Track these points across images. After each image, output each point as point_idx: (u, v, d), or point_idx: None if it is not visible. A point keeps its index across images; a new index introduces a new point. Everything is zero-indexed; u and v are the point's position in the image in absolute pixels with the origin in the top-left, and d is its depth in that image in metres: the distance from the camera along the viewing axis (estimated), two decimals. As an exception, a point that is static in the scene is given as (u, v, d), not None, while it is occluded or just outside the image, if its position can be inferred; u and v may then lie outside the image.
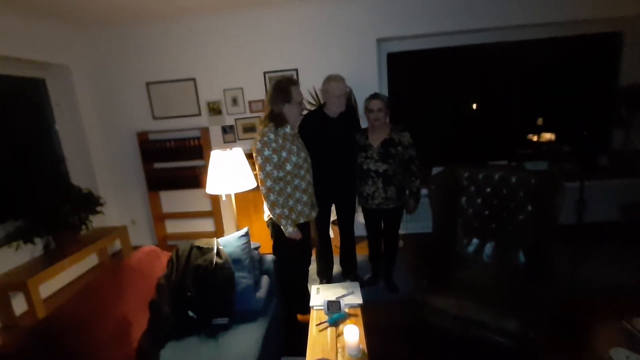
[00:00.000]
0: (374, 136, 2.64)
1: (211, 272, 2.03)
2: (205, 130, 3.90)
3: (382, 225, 2.85)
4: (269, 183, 2.16)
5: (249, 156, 2.45)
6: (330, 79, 2.53)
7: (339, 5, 3.56)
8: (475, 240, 2.49)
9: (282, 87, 2.20)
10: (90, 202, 3.28)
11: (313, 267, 2.91)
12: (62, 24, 3.50)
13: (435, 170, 3.65)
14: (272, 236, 2.43)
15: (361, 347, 1.67)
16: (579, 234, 2.44)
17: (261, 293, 2.16)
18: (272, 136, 2.15)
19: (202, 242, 2.22)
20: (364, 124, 2.83)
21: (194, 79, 3.86)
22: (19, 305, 2.81)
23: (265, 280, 2.30)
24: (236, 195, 2.68)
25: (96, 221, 3.39)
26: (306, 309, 2.42)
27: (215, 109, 3.91)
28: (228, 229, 4.08)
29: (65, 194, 3.18)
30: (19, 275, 2.73)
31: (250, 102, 3.85)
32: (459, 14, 3.51)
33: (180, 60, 3.83)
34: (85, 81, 3.86)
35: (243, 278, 2.10)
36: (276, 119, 2.20)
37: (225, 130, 3.95)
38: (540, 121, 4.19)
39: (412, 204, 2.71)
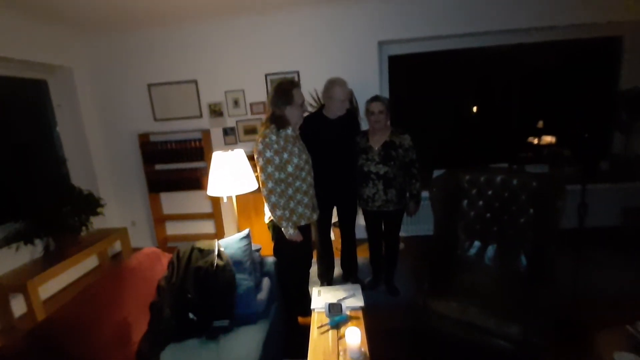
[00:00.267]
0: (375, 138, 2.64)
1: (212, 274, 2.02)
2: (206, 132, 3.90)
3: (383, 227, 2.84)
4: (270, 185, 2.15)
5: (250, 158, 2.44)
6: (335, 84, 2.53)
7: (340, 8, 3.57)
8: (476, 243, 2.48)
9: (284, 90, 2.21)
10: (90, 204, 3.27)
11: (314, 270, 2.90)
12: (64, 26, 3.50)
13: (436, 173, 3.65)
14: (273, 238, 2.43)
15: (363, 349, 1.66)
16: (580, 239, 2.43)
17: (262, 295, 2.15)
18: (273, 138, 2.15)
19: (203, 244, 2.21)
20: (364, 126, 2.83)
21: (195, 81, 3.87)
22: (18, 307, 2.80)
23: (266, 282, 2.29)
24: (237, 197, 2.67)
25: (96, 223, 3.38)
26: (307, 312, 2.41)
27: (216, 111, 3.91)
28: (229, 231, 4.07)
29: (65, 195, 3.17)
30: (19, 276, 2.72)
31: (251, 104, 3.86)
32: (460, 17, 3.52)
33: (181, 62, 3.84)
34: (87, 83, 3.87)
35: (244, 280, 2.09)
36: (278, 121, 2.20)
37: (227, 132, 3.95)
38: (540, 124, 4.20)
39: (413, 206, 2.71)
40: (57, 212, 2.99)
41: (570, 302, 2.46)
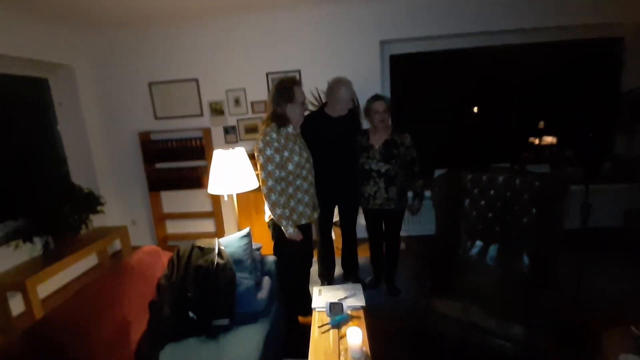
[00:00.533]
0: (376, 137, 2.64)
1: (212, 273, 2.01)
2: (207, 131, 3.88)
3: (383, 227, 2.83)
4: (270, 183, 2.14)
5: (251, 157, 2.43)
6: (340, 83, 2.52)
7: (342, 7, 3.56)
8: (478, 243, 2.47)
9: (285, 87, 2.19)
10: (90, 202, 3.26)
11: (314, 269, 2.88)
12: (66, 24, 3.49)
13: (437, 173, 3.64)
14: (273, 237, 2.41)
15: (364, 349, 1.65)
16: (583, 239, 2.42)
17: (262, 294, 2.13)
18: (274, 136, 2.13)
19: (203, 243, 2.20)
20: (364, 125, 2.82)
21: (196, 80, 3.85)
22: (16, 305, 2.78)
23: (266, 281, 2.27)
24: (237, 195, 2.66)
25: (96, 221, 3.37)
26: (307, 311, 2.40)
27: (217, 110, 3.90)
28: (229, 229, 4.06)
29: (66, 193, 3.16)
30: (17, 275, 2.70)
31: (252, 103, 3.84)
32: (462, 16, 3.50)
33: (182, 61, 3.82)
34: (88, 81, 3.85)
35: (244, 279, 2.08)
36: (278, 119, 2.19)
37: (227, 130, 3.93)
38: (541, 124, 4.18)
39: (417, 204, 2.70)
40: (57, 211, 2.98)
41: (573, 303, 2.44)
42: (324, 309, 1.98)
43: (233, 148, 2.51)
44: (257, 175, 2.28)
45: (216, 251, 2.12)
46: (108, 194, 3.86)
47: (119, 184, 4.16)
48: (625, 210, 3.67)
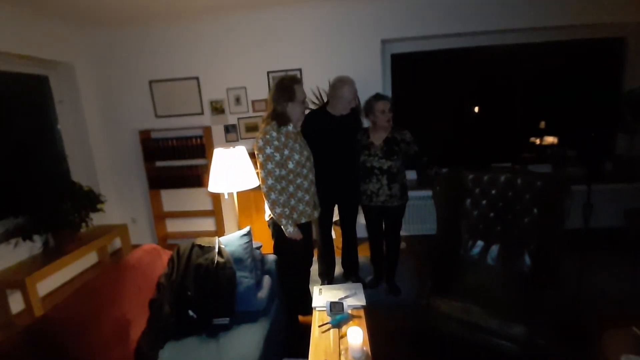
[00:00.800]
0: (376, 135, 2.65)
1: (212, 272, 2.00)
2: (207, 129, 3.87)
3: (384, 225, 2.83)
4: (270, 181, 2.13)
5: (252, 155, 2.42)
6: (344, 83, 2.52)
7: (343, 6, 3.54)
8: (480, 243, 2.46)
9: (286, 86, 2.18)
10: (90, 200, 3.24)
11: (314, 268, 2.88)
12: (66, 22, 3.49)
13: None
14: (273, 236, 2.41)
15: (365, 349, 1.64)
16: (585, 239, 2.41)
17: (263, 293, 2.13)
18: (274, 134, 2.12)
19: (203, 241, 2.19)
20: (364, 123, 2.83)
21: (197, 78, 3.84)
22: (16, 303, 2.77)
23: (267, 280, 2.26)
24: (238, 194, 2.65)
25: (96, 219, 3.36)
26: (308, 310, 2.40)
27: (218, 108, 3.89)
28: (229, 228, 4.05)
29: (66, 191, 3.15)
30: (17, 272, 2.70)
31: (253, 102, 3.83)
32: (463, 16, 3.49)
33: (183, 59, 3.82)
34: (88, 79, 3.85)
35: (244, 278, 2.07)
36: (279, 117, 2.18)
37: (228, 129, 3.93)
38: (542, 124, 4.17)
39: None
40: (57, 209, 2.97)
41: (574, 303, 2.44)
42: (325, 308, 1.97)
43: (233, 147, 2.50)
44: (258, 173, 2.27)
45: (216, 250, 2.11)
46: (108, 192, 3.85)
47: (119, 182, 4.15)
48: (626, 210, 3.66)
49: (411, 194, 2.86)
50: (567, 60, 3.89)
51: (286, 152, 2.16)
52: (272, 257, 2.47)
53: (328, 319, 1.90)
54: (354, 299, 2.05)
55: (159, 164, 4.02)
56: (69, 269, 3.31)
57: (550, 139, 4.14)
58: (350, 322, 1.88)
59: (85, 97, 3.80)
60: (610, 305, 2.52)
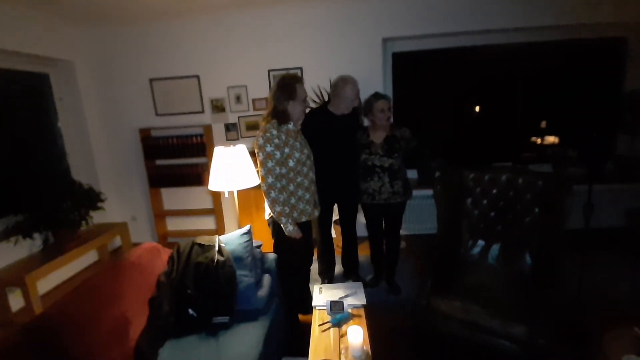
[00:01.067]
0: (376, 134, 2.66)
1: (212, 270, 2.00)
2: (208, 128, 3.87)
3: (384, 224, 2.83)
4: (270, 180, 2.12)
5: (252, 154, 2.42)
6: (347, 82, 2.51)
7: (345, 4, 3.53)
8: (480, 242, 2.46)
9: (287, 84, 2.18)
10: (91, 198, 3.24)
11: (314, 267, 2.88)
12: (66, 19, 3.48)
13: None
14: (273, 235, 2.40)
15: (365, 348, 1.64)
16: (586, 239, 2.40)
17: (263, 292, 2.12)
18: (274, 132, 2.12)
19: (203, 239, 2.19)
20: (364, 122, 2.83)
21: (197, 76, 3.84)
22: (15, 301, 2.77)
23: (267, 279, 2.26)
24: (238, 193, 2.65)
25: (96, 217, 3.36)
26: (308, 309, 2.39)
27: (218, 107, 3.88)
28: (229, 227, 4.05)
29: (66, 189, 3.15)
30: (17, 270, 2.69)
31: (253, 100, 3.83)
32: (465, 15, 3.48)
33: (184, 57, 3.81)
34: (89, 77, 3.84)
35: (244, 276, 2.07)
36: (279, 115, 2.17)
37: (228, 127, 3.92)
38: (543, 124, 4.16)
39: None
40: (57, 206, 2.96)
41: (575, 303, 2.43)
42: (325, 307, 1.97)
43: (234, 145, 2.49)
44: (258, 172, 2.26)
45: (216, 248, 2.11)
46: (108, 190, 3.85)
47: (119, 180, 4.14)
48: (626, 210, 3.66)
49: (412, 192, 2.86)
50: (568, 60, 3.88)
51: (287, 150, 2.16)
52: (272, 255, 2.46)
53: (328, 317, 1.90)
54: (354, 298, 2.05)
55: (159, 162, 4.01)
56: (69, 267, 3.31)
57: (551, 139, 4.14)
58: (351, 321, 1.88)
59: (85, 95, 3.79)
60: (611, 305, 2.51)
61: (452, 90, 4.12)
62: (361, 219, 2.95)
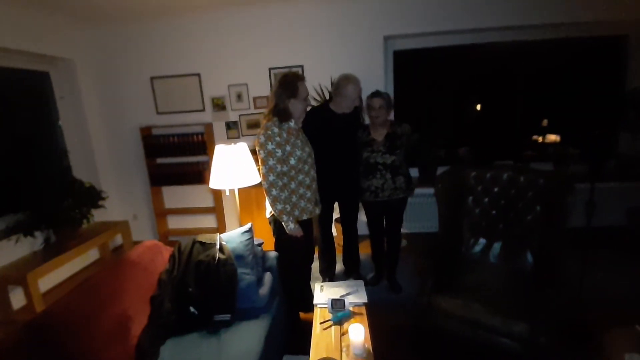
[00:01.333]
0: (377, 132, 2.66)
1: (213, 268, 2.00)
2: (209, 126, 3.86)
3: (385, 222, 2.83)
4: (271, 178, 2.12)
5: (253, 152, 2.41)
6: (349, 81, 2.50)
7: (346, 2, 3.52)
8: (482, 240, 2.45)
9: (289, 82, 2.17)
10: (92, 196, 3.24)
11: (315, 266, 2.88)
12: (67, 17, 3.47)
13: (440, 170, 3.61)
14: (274, 233, 2.40)
15: (366, 346, 1.64)
16: (587, 238, 2.40)
17: (264, 290, 2.12)
18: (275, 130, 2.11)
19: (204, 238, 2.19)
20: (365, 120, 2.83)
21: (198, 74, 3.83)
22: (17, 299, 2.78)
23: (268, 277, 2.26)
24: (239, 191, 2.65)
25: (98, 215, 3.36)
26: (309, 307, 2.39)
27: (219, 105, 3.88)
28: (230, 225, 4.05)
29: (67, 187, 3.15)
30: (18, 268, 2.70)
31: (254, 98, 3.82)
32: (466, 12, 3.47)
33: (185, 56, 3.80)
34: (90, 75, 3.84)
35: (246, 274, 2.07)
36: (280, 113, 2.17)
37: (229, 126, 3.92)
38: (545, 122, 4.15)
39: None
40: (58, 205, 2.97)
41: (576, 301, 2.43)
42: (326, 306, 1.97)
43: (235, 143, 2.49)
44: (259, 170, 2.26)
45: (217, 246, 2.11)
46: (109, 188, 3.85)
47: (120, 179, 4.15)
48: (628, 209, 3.65)
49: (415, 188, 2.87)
50: (570, 58, 3.87)
51: (288, 148, 2.15)
52: (273, 254, 2.46)
53: (329, 316, 1.90)
54: (355, 296, 2.05)
55: (160, 160, 4.01)
56: (70, 265, 3.31)
57: (552, 137, 4.13)
58: (352, 319, 1.88)
59: (86, 93, 3.78)
60: (612, 303, 2.51)
61: (453, 89, 4.11)
62: (362, 217, 2.95)
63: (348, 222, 2.91)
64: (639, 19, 3.45)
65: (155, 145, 3.88)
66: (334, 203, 2.84)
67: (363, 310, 1.95)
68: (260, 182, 2.23)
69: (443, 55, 3.89)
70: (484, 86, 4.11)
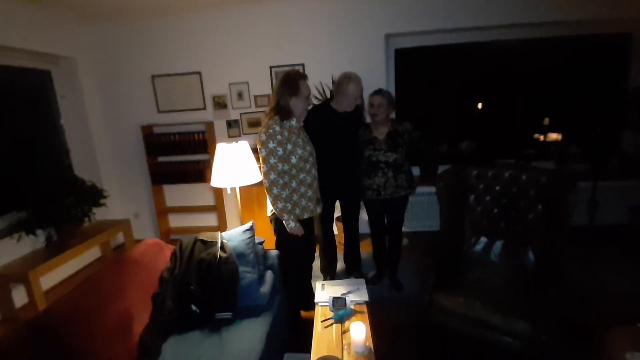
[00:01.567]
0: (378, 130, 2.66)
1: (215, 266, 2.00)
2: (210, 125, 3.86)
3: (387, 220, 2.83)
4: (272, 176, 2.12)
5: (254, 150, 2.41)
6: (350, 80, 2.50)
7: (347, 0, 3.51)
8: (483, 239, 2.45)
9: (291, 80, 2.17)
10: (93, 195, 3.25)
11: (316, 264, 2.87)
12: (69, 16, 3.47)
13: (441, 169, 3.61)
14: (275, 232, 2.40)
15: (368, 344, 1.64)
16: (589, 236, 2.39)
17: (265, 288, 2.12)
18: (277, 128, 2.11)
19: (206, 236, 2.19)
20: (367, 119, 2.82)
21: (199, 73, 3.83)
22: (19, 297, 2.79)
23: (269, 275, 2.26)
24: (240, 189, 2.65)
25: (99, 214, 3.36)
26: (310, 306, 2.39)
27: (220, 103, 3.87)
28: (231, 223, 4.05)
29: (68, 186, 3.15)
30: (20, 266, 2.70)
31: (255, 97, 3.82)
32: (468, 11, 3.46)
33: (186, 54, 3.80)
34: (91, 73, 3.84)
35: (247, 273, 2.07)
36: (282, 111, 2.17)
37: (230, 124, 3.91)
38: (546, 121, 4.14)
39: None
40: (60, 203, 2.97)
41: (578, 300, 2.42)
42: (327, 304, 1.97)
43: (236, 142, 2.49)
44: (260, 168, 2.26)
45: (219, 245, 2.11)
46: (111, 187, 3.86)
47: (121, 177, 4.15)
48: (630, 207, 3.64)
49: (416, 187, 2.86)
50: (572, 56, 3.85)
51: (289, 146, 2.15)
52: (274, 252, 2.46)
53: (330, 314, 1.90)
54: (356, 294, 2.05)
55: (162, 159, 4.01)
56: (72, 264, 3.32)
57: (554, 136, 4.12)
58: (353, 317, 1.88)
59: (87, 92, 3.79)
60: (614, 302, 2.50)
61: (454, 87, 4.11)
62: (363, 215, 2.95)
63: (349, 221, 2.91)
64: (643, 16, 3.44)
65: (156, 143, 3.89)
66: (335, 201, 2.83)
67: (364, 308, 1.95)
68: (262, 181, 2.23)
69: (445, 54, 3.88)
70: (486, 84, 4.10)
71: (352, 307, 1.94)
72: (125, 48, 3.83)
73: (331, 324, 1.84)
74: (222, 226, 4.00)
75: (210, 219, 4.18)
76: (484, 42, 3.75)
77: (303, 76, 2.23)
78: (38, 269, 2.65)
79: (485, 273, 2.24)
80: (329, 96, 3.36)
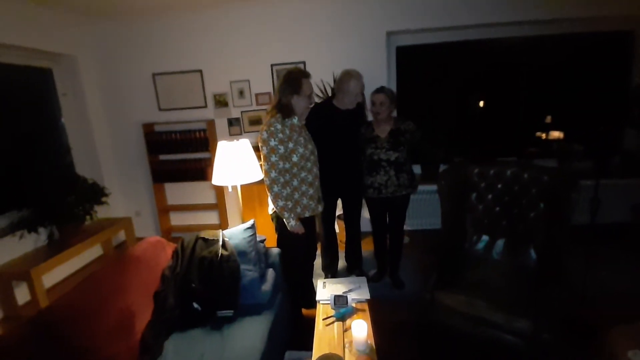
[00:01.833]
0: (381, 128, 2.65)
1: (216, 264, 2.00)
2: (211, 123, 3.86)
3: (388, 218, 2.83)
4: (273, 174, 2.12)
5: (255, 148, 2.41)
6: (351, 77, 2.49)
7: (348, -2, 3.51)
8: (485, 237, 2.44)
9: (293, 78, 2.17)
10: (95, 193, 3.25)
11: (318, 262, 2.88)
12: (70, 14, 3.47)
13: (443, 167, 3.61)
14: (276, 230, 2.40)
15: (369, 342, 1.64)
16: (591, 234, 2.39)
17: (267, 286, 2.13)
18: (278, 127, 2.11)
19: (207, 234, 2.19)
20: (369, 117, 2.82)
21: (200, 71, 3.82)
22: (21, 294, 2.80)
23: (270, 273, 2.26)
24: (241, 187, 2.65)
25: (101, 212, 3.37)
26: (311, 304, 2.40)
27: (221, 101, 3.87)
28: (232, 221, 4.05)
29: (70, 184, 3.16)
30: (23, 264, 2.71)
31: (256, 95, 3.81)
32: (470, 8, 3.44)
33: (186, 52, 3.79)
34: (92, 72, 3.84)
35: (248, 271, 2.07)
36: (283, 109, 2.16)
37: (231, 122, 3.91)
38: (549, 119, 4.13)
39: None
40: (62, 201, 2.98)
41: (580, 298, 2.42)
42: (329, 302, 1.97)
43: (237, 140, 2.49)
44: (261, 166, 2.26)
45: (220, 243, 2.11)
46: (112, 185, 3.86)
47: (123, 175, 4.16)
48: (633, 205, 3.63)
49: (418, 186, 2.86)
50: (574, 54, 3.83)
51: (290, 145, 2.15)
52: (276, 250, 2.46)
53: (332, 312, 1.90)
54: (358, 292, 2.05)
55: (163, 157, 4.02)
56: (74, 262, 3.33)
57: (556, 134, 4.10)
58: (354, 315, 1.88)
59: (88, 90, 3.79)
60: (616, 300, 2.50)
61: (456, 85, 4.09)
62: (365, 213, 2.95)
63: (351, 219, 2.91)
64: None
65: (157, 141, 3.89)
66: (337, 199, 2.83)
67: (365, 306, 1.95)
68: (263, 179, 2.23)
69: (446, 51, 3.87)
70: (488, 82, 4.08)
71: (353, 305, 1.94)
72: (127, 46, 3.83)
73: (333, 322, 1.84)
74: (223, 224, 4.01)
75: (212, 217, 4.18)
76: (485, 39, 3.74)
77: (305, 74, 2.22)
78: (40, 266, 2.66)
79: (486, 271, 2.23)
80: (330, 94, 3.35)
